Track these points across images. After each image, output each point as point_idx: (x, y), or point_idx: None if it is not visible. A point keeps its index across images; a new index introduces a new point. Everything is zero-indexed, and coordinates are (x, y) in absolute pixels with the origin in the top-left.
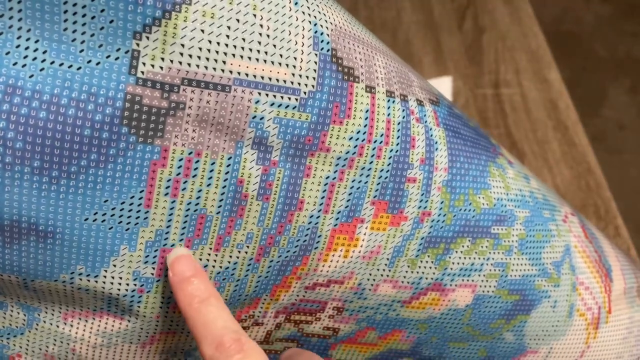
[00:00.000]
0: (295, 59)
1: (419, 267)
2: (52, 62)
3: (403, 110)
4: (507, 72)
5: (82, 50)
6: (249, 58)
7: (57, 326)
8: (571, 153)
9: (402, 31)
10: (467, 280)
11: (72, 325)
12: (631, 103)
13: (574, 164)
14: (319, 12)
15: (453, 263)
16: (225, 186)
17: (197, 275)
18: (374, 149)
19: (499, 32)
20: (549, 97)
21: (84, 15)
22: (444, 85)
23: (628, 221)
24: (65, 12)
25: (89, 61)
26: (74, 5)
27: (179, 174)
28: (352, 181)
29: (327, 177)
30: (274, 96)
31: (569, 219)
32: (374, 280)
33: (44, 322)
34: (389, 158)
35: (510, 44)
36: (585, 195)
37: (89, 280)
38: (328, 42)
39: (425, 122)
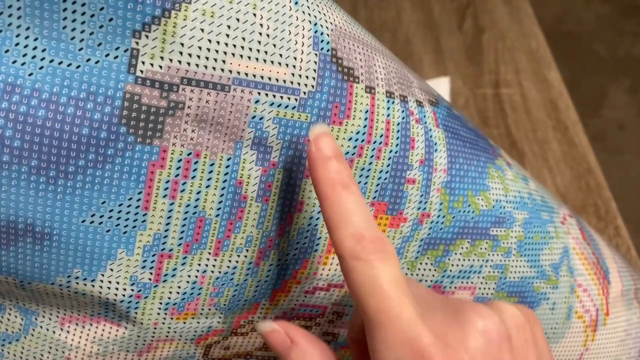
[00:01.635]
0: (295, 58)
1: (419, 269)
2: (52, 61)
3: (403, 111)
4: (507, 72)
5: (81, 49)
6: (249, 57)
7: (54, 332)
8: (571, 153)
9: (402, 31)
10: (467, 282)
11: (68, 332)
12: (631, 103)
13: (574, 164)
14: (319, 12)
15: (452, 265)
16: (224, 187)
17: (341, 160)
18: (373, 149)
19: (499, 32)
20: (549, 97)
21: (83, 14)
22: (441, 86)
23: (628, 221)
24: (65, 10)
25: (88, 60)
26: (74, 3)
27: (177, 175)
28: None
29: None
30: (274, 96)
31: (567, 221)
32: None
33: (41, 327)
34: (389, 159)
35: (510, 44)
36: (585, 195)
37: (85, 284)
38: (328, 42)
39: (425, 123)
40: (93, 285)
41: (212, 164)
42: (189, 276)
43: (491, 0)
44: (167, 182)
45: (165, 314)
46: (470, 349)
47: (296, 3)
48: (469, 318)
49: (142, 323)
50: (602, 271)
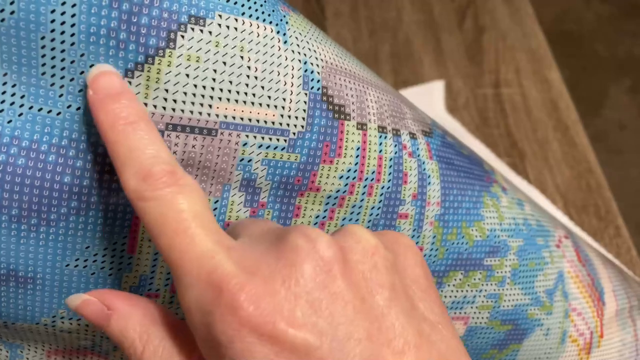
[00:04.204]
0: (284, 99)
1: None
2: (31, 107)
3: (395, 146)
4: (507, 72)
5: (61, 95)
6: (236, 101)
7: None
8: (571, 153)
9: (402, 31)
10: (460, 312)
11: None
12: (631, 103)
13: (575, 164)
14: (309, 50)
15: (445, 296)
16: None
17: (126, 95)
18: (365, 186)
19: (499, 32)
20: (549, 97)
21: (62, 60)
22: (436, 90)
23: (629, 221)
24: (44, 56)
25: (69, 106)
26: (52, 49)
27: None
28: (343, 219)
29: (317, 217)
30: (262, 138)
31: (563, 244)
32: None
33: (27, 359)
34: (381, 195)
35: (510, 44)
36: (586, 195)
37: (71, 324)
38: (318, 81)
39: (418, 156)
40: (79, 324)
41: None
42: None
43: (491, 0)
44: None
45: None
46: (288, 277)
47: (285, 42)
48: (291, 243)
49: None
50: (597, 292)
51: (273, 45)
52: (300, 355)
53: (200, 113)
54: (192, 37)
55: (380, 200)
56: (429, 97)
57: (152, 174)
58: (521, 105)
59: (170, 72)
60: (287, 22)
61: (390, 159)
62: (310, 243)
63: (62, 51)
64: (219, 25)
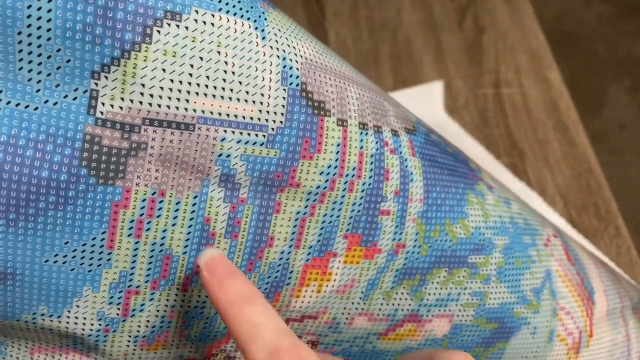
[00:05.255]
0: (262, 95)
1: (395, 298)
2: (8, 102)
3: (376, 142)
4: (507, 72)
5: (38, 90)
6: (214, 96)
7: None
8: (572, 153)
9: (402, 31)
10: (444, 310)
11: None
12: (631, 103)
13: (575, 164)
14: (288, 46)
15: (429, 294)
16: (191, 225)
17: (239, 273)
18: (345, 182)
19: (499, 32)
20: (549, 97)
21: (39, 55)
22: (434, 90)
23: (629, 221)
24: (20, 51)
25: (46, 101)
26: (29, 45)
27: (142, 214)
28: (324, 215)
29: (298, 212)
30: (241, 133)
31: (551, 242)
32: (348, 314)
33: (11, 356)
34: (362, 191)
35: (510, 44)
36: (586, 195)
37: (51, 321)
38: (297, 77)
39: (400, 152)
40: (59, 322)
41: (178, 202)
42: (158, 311)
43: (491, 0)
44: (131, 221)
45: (135, 345)
46: None
47: (263, 38)
48: None
49: (111, 354)
50: (587, 292)
51: (251, 41)
52: None
53: (177, 108)
54: (169, 32)
55: (362, 197)
56: (428, 98)
57: (279, 348)
58: (521, 105)
59: (146, 66)
60: (265, 19)
61: (372, 156)
62: None
63: (39, 46)
64: (195, 20)
